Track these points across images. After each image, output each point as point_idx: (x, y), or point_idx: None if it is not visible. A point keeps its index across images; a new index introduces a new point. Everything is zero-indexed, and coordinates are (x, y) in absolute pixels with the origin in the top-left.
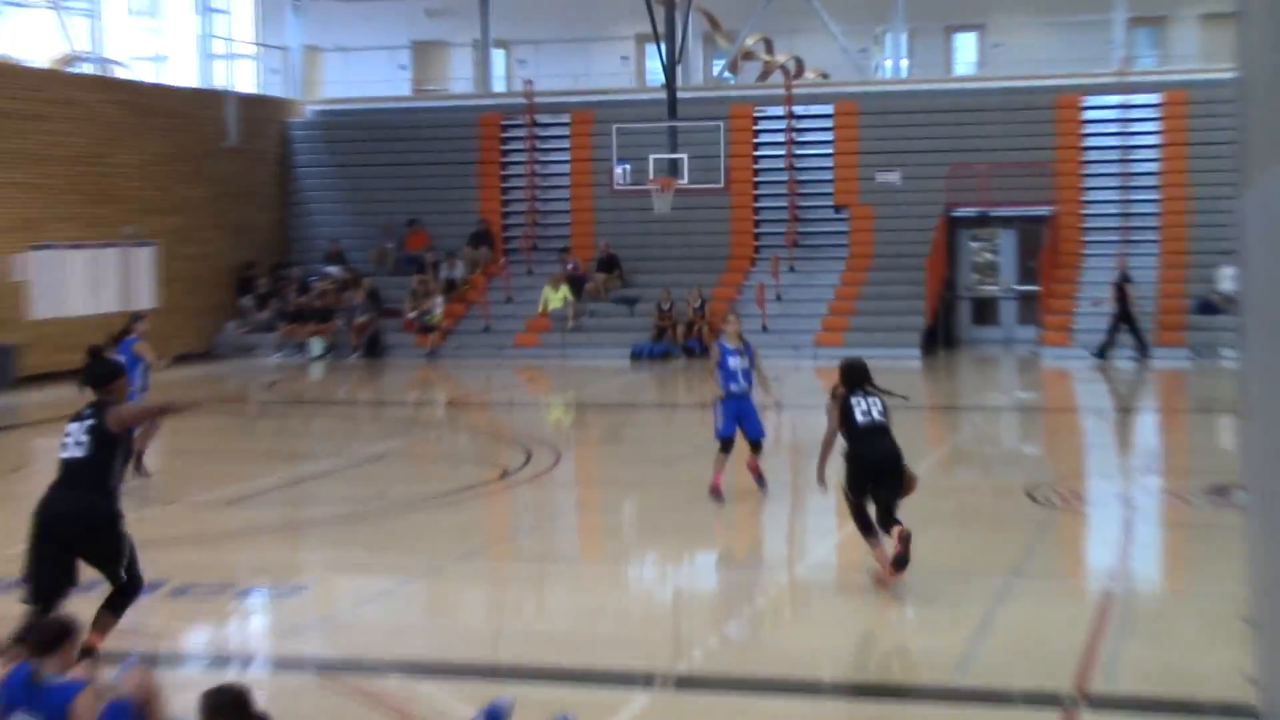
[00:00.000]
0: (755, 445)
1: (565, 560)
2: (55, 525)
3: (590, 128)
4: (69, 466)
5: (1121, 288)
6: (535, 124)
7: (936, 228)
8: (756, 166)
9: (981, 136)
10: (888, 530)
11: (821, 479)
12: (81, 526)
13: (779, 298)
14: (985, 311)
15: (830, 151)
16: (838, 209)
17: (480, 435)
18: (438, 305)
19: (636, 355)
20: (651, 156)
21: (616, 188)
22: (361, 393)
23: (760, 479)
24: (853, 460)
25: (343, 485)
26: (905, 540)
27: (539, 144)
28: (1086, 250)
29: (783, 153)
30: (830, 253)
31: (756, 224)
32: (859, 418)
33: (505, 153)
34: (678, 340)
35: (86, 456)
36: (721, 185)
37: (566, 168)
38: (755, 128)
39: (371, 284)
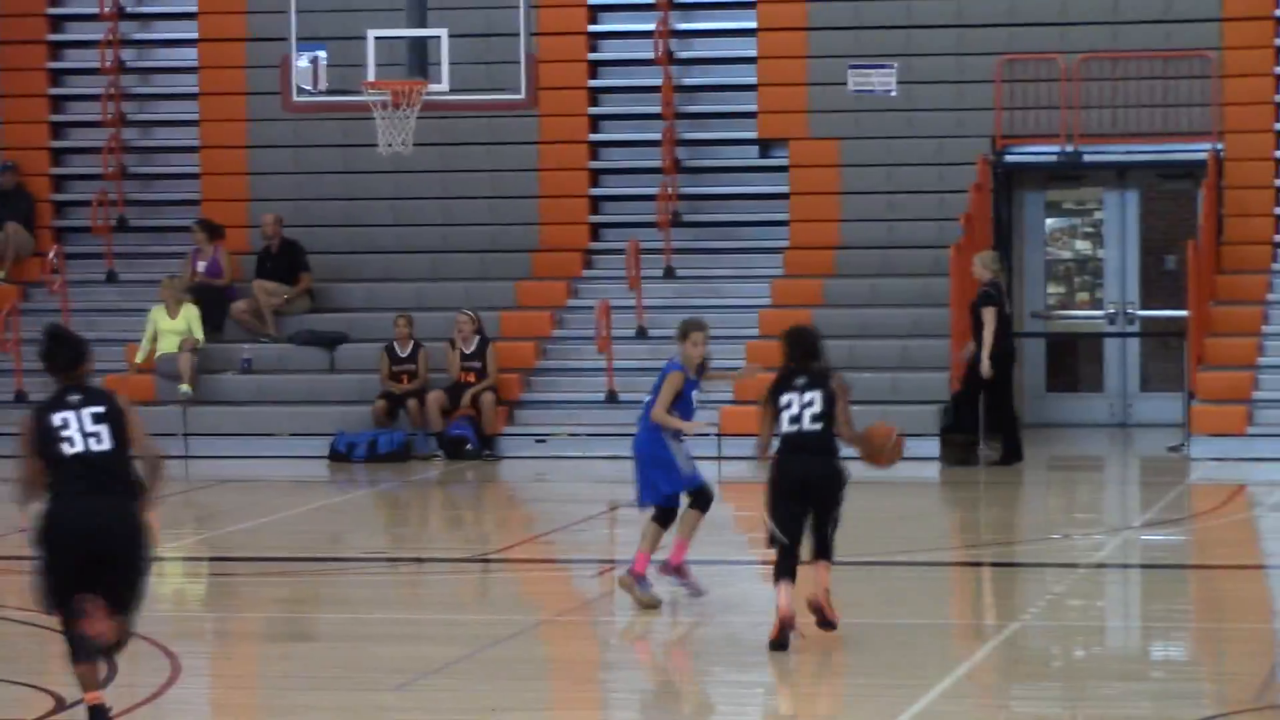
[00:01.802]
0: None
1: None
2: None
3: None
4: (93, 463)
5: None
6: None
7: (975, 186)
8: (596, 58)
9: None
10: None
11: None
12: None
13: (642, 332)
14: (1072, 362)
15: (752, 27)
16: (765, 147)
17: None
18: None
19: (342, 454)
20: (371, 34)
21: (298, 101)
22: None
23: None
24: (771, 474)
25: None
26: (816, 610)
27: (126, 8)
28: None
29: (650, 27)
30: (750, 239)
31: (595, 180)
32: (785, 424)
33: (57, 25)
34: (427, 422)
35: (113, 450)
36: (523, 97)
37: (193, 59)
38: None
39: None
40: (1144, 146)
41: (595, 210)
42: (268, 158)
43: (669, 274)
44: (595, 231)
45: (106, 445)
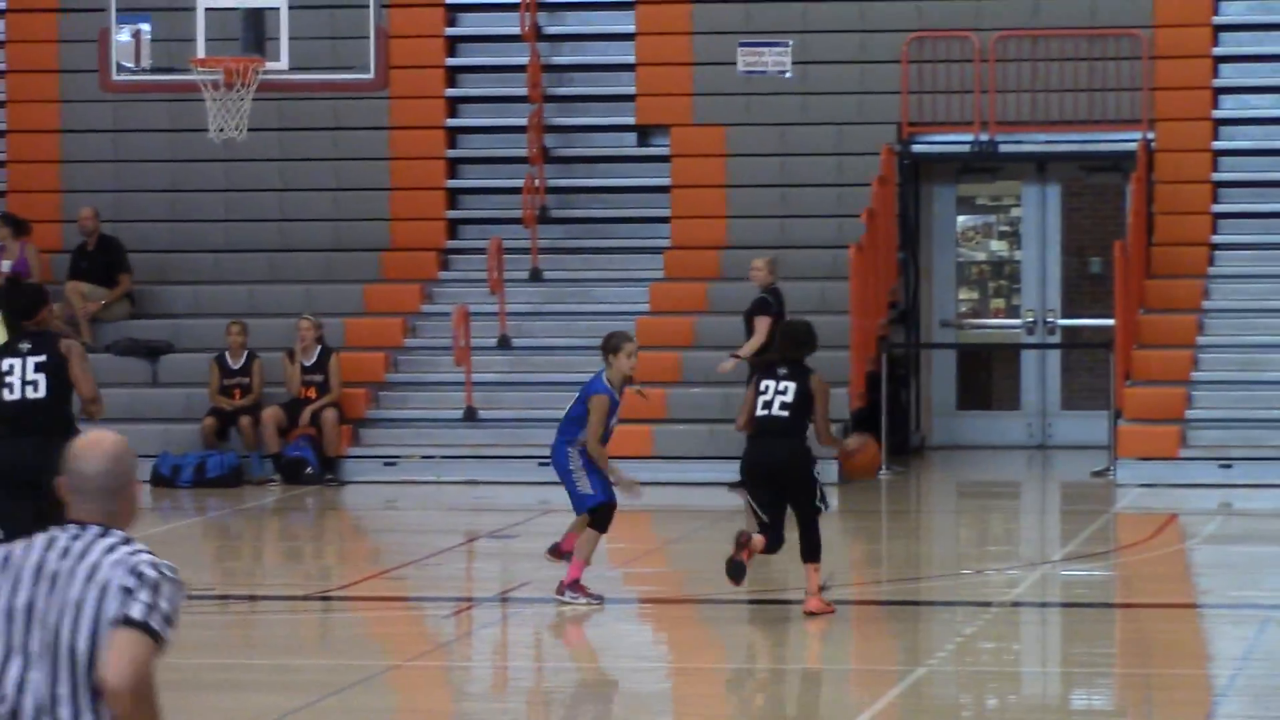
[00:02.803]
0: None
1: None
2: (11, 476)
3: None
4: (23, 409)
5: None
6: None
7: (879, 179)
8: (454, 33)
9: None
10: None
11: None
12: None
13: (505, 342)
14: (986, 377)
15: (630, 0)
16: (644, 135)
17: None
18: None
19: (166, 478)
20: (201, 5)
21: (118, 79)
22: None
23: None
24: (743, 458)
25: None
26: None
27: None
28: (1220, 236)
29: None
30: (627, 237)
31: (453, 169)
32: (759, 408)
33: None
34: (262, 442)
35: (46, 398)
36: (372, 76)
37: None
38: None
39: None
40: (1067, 136)
41: (453, 204)
42: (83, 144)
43: (535, 276)
44: (453, 228)
45: (41, 394)
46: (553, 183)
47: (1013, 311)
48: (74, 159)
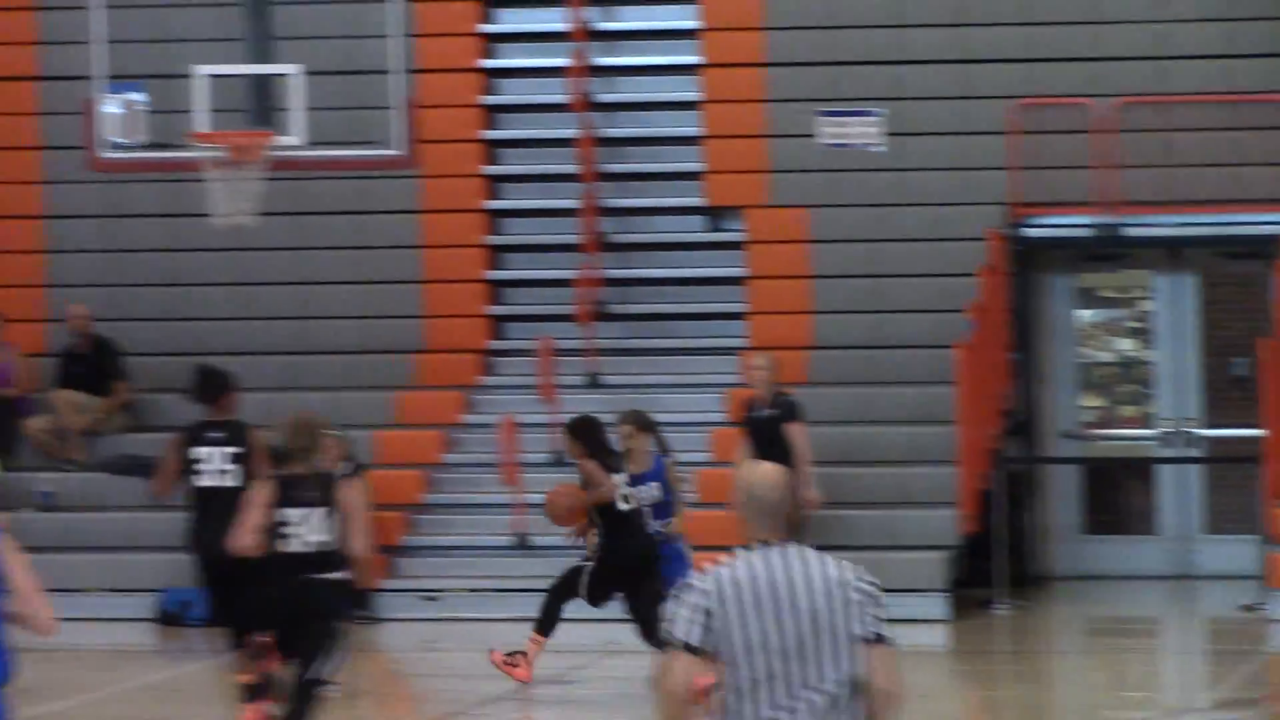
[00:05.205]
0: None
1: None
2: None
3: None
4: (214, 495)
5: None
6: None
7: (986, 268)
8: (492, 102)
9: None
10: (650, 641)
11: None
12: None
13: (560, 458)
14: (1116, 495)
15: (695, 62)
16: (714, 218)
17: None
18: None
19: (173, 615)
20: (201, 71)
21: (108, 156)
22: None
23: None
24: (604, 557)
25: None
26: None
27: None
28: None
29: (562, 62)
30: (697, 336)
31: (494, 258)
32: (618, 502)
33: None
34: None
35: (237, 487)
36: (398, 152)
37: None
38: (485, 11)
39: None
40: (1202, 217)
41: (495, 299)
42: (69, 230)
43: (593, 381)
44: (496, 326)
45: (232, 482)
46: (610, 273)
47: (1146, 420)
48: (59, 249)
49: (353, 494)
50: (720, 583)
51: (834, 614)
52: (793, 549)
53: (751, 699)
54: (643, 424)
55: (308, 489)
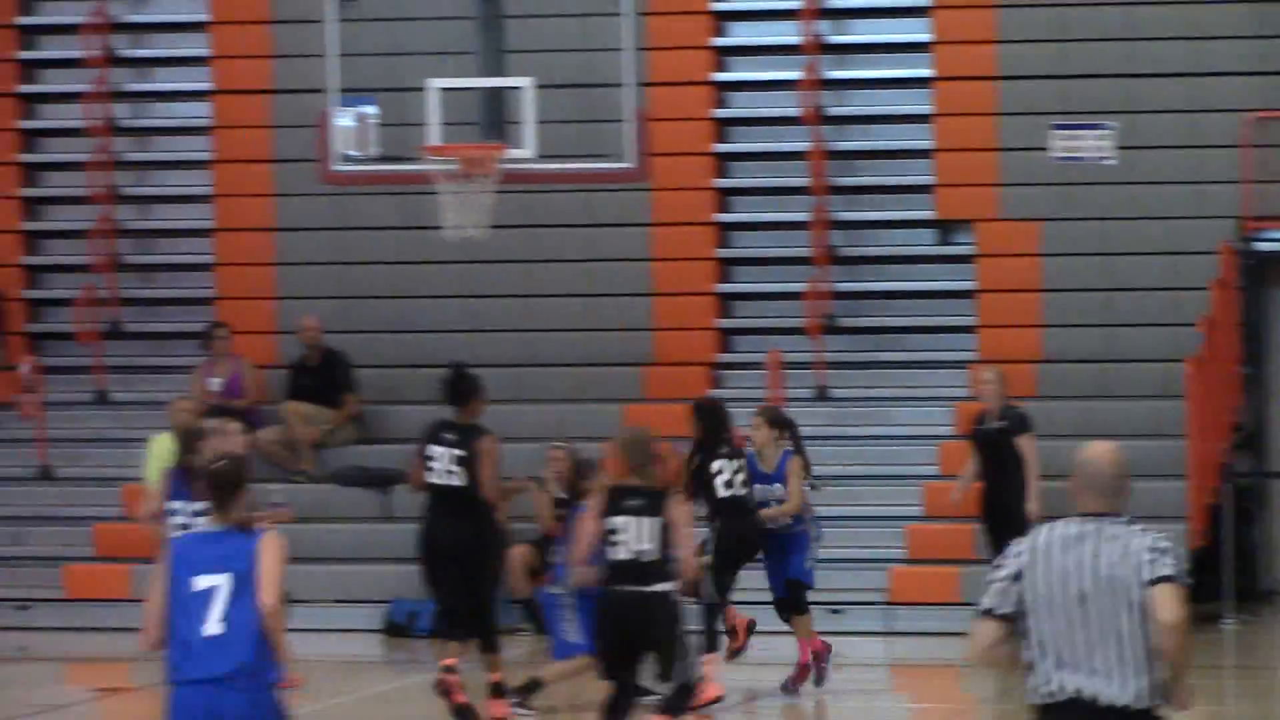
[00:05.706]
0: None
1: None
2: (435, 549)
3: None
4: (444, 492)
5: None
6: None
7: (1218, 282)
8: (723, 115)
9: None
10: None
11: None
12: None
13: (811, 475)
14: None
15: (926, 75)
16: (945, 231)
17: None
18: None
19: (401, 626)
20: (434, 85)
21: (340, 170)
22: None
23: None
24: (717, 540)
25: None
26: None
27: (118, 50)
28: None
29: (794, 76)
30: (926, 349)
31: (724, 271)
32: (719, 488)
33: (29, 76)
34: (509, 585)
35: (463, 486)
36: (630, 165)
37: (205, 116)
38: (718, 25)
39: None
40: None
41: (725, 311)
42: (300, 243)
43: (821, 394)
44: (725, 339)
45: (458, 482)
46: (839, 287)
47: None
48: (290, 261)
49: (681, 509)
50: (1035, 545)
51: (1127, 574)
52: (1108, 521)
53: (1054, 653)
54: (773, 420)
55: (636, 499)
